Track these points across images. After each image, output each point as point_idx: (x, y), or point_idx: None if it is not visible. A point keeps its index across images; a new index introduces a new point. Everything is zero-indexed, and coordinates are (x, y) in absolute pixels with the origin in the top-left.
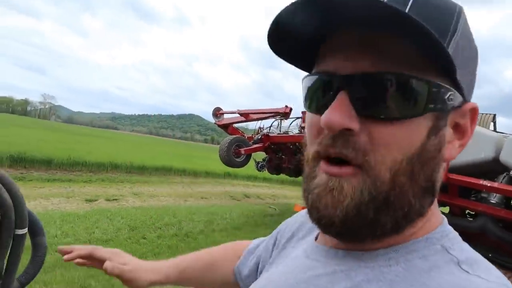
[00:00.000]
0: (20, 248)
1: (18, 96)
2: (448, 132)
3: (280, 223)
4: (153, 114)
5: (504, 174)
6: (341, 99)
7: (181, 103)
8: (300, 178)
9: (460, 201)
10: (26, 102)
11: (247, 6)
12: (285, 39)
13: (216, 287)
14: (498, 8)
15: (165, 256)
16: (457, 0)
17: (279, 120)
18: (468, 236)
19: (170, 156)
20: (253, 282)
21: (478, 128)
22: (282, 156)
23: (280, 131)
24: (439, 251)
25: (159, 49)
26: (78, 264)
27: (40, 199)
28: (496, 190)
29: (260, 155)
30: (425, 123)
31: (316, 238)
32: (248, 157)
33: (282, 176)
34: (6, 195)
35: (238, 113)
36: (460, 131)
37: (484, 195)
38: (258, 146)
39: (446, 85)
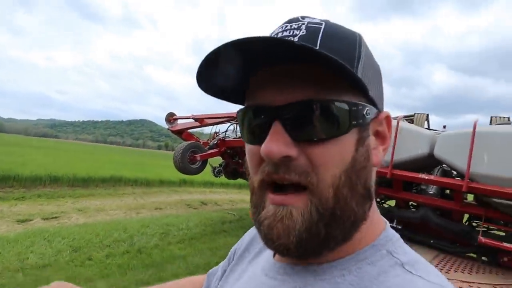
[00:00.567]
0: None
1: None
2: (371, 140)
3: (239, 228)
4: (100, 120)
5: (438, 167)
6: (276, 128)
7: (131, 108)
8: None
9: (404, 194)
10: None
11: (200, 9)
12: (214, 77)
13: None
14: (430, 19)
15: (115, 277)
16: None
17: (235, 125)
18: (413, 226)
19: (119, 165)
20: None
21: (414, 127)
22: (239, 160)
23: (236, 135)
24: (385, 256)
25: (105, 50)
26: None
27: None
28: (433, 182)
29: (217, 161)
30: (352, 137)
31: (274, 255)
32: (204, 163)
33: (240, 180)
34: None
35: (193, 118)
36: (381, 137)
37: (423, 187)
38: (214, 152)
39: (362, 103)
